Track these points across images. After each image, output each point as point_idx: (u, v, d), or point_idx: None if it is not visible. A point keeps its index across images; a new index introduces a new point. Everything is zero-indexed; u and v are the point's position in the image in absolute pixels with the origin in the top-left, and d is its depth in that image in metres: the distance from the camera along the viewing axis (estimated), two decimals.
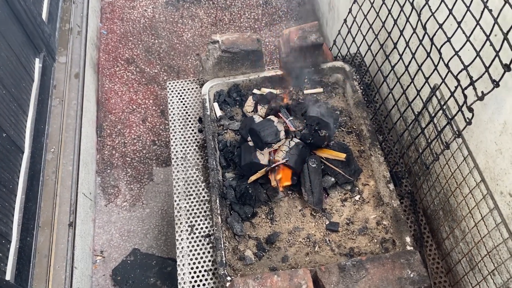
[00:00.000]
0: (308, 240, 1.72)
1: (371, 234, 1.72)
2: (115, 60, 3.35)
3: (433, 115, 1.64)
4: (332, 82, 2.11)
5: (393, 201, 1.72)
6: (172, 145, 2.04)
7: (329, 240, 1.71)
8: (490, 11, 1.24)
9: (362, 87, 2.11)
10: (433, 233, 1.84)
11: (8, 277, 1.99)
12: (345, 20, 2.17)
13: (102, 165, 2.88)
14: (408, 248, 1.60)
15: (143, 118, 3.06)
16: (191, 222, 1.83)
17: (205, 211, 1.85)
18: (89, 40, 3.26)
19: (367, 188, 1.82)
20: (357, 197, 1.80)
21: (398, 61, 1.79)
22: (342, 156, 1.77)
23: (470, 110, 1.39)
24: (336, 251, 1.69)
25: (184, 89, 2.22)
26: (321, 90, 2.06)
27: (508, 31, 1.17)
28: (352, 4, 2.09)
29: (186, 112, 2.15)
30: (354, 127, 1.98)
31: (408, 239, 1.62)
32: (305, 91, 2.06)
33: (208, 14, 3.65)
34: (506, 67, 1.20)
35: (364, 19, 2.04)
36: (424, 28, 1.59)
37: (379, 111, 2.06)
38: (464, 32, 1.38)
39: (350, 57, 2.25)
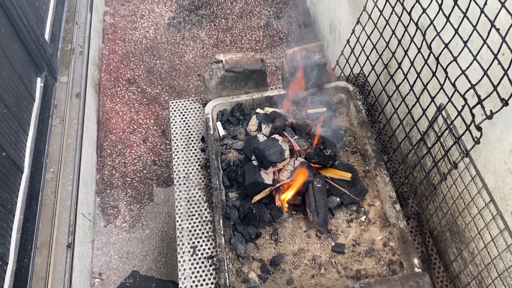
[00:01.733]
0: (313, 262, 1.68)
1: (378, 255, 1.68)
2: (116, 80, 3.35)
3: (439, 134, 1.63)
4: (335, 101, 2.10)
5: (399, 222, 1.69)
6: (174, 165, 2.01)
7: (335, 262, 1.67)
8: (497, 30, 1.24)
9: (365, 107, 2.10)
10: (441, 255, 1.81)
11: None
12: (348, 41, 2.18)
13: (102, 185, 2.84)
14: (416, 270, 1.56)
15: (144, 138, 3.04)
16: (193, 243, 1.79)
17: (207, 232, 1.82)
18: (90, 61, 3.27)
19: (373, 208, 1.79)
20: (363, 218, 1.77)
21: (403, 80, 1.79)
22: (347, 176, 1.75)
23: (479, 129, 1.37)
24: (343, 274, 1.65)
25: (187, 109, 2.21)
26: (325, 109, 2.05)
27: None
28: (355, 25, 2.10)
29: (189, 132, 2.13)
30: (358, 146, 1.97)
31: (416, 261, 1.59)
32: (309, 111, 2.05)
33: (209, 36, 3.67)
34: None
35: (367, 39, 2.04)
36: (430, 47, 1.60)
37: (384, 131, 2.04)
38: (470, 51, 1.38)
39: (353, 77, 2.25)
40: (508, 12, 1.17)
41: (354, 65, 2.20)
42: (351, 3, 2.62)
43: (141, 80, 3.36)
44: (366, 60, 2.09)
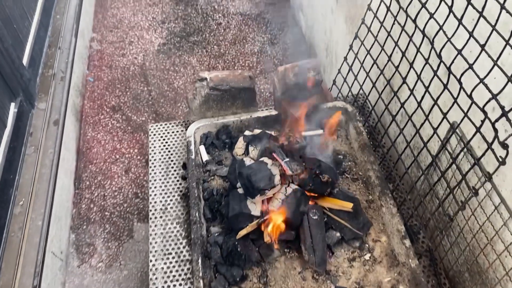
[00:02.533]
0: None
1: None
2: (100, 108, 3.15)
3: (454, 156, 1.40)
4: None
5: (410, 260, 1.43)
6: (150, 195, 1.77)
7: None
8: None
9: (367, 129, 1.88)
10: None
11: None
12: (345, 58, 1.98)
13: (78, 220, 2.58)
14: None
15: (126, 169, 2.80)
16: (168, 287, 1.52)
17: (185, 274, 1.55)
18: (72, 87, 3.09)
19: (378, 245, 1.53)
20: (367, 256, 1.51)
21: (409, 96, 1.58)
22: (348, 206, 1.50)
23: (504, 146, 1.14)
24: None
25: (168, 132, 1.99)
26: (321, 131, 1.83)
27: None
28: (353, 40, 1.91)
29: (169, 158, 1.90)
30: (360, 173, 1.73)
31: None
32: (304, 133, 1.82)
33: (201, 62, 3.50)
34: None
35: (366, 54, 1.85)
36: (439, 56, 1.39)
37: (388, 156, 1.81)
38: (490, 56, 1.16)
39: (352, 98, 2.04)
40: None
41: (352, 84, 1.99)
42: (348, 22, 2.45)
43: (126, 107, 3.16)
44: (366, 78, 1.88)
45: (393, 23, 1.66)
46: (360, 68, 1.92)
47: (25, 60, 2.79)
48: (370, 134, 1.89)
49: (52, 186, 2.47)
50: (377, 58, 1.80)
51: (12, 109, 2.54)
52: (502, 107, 1.13)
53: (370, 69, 1.85)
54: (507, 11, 1.08)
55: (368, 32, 1.83)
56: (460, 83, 1.31)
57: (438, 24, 1.38)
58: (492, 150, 1.21)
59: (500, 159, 1.17)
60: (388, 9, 1.69)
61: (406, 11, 1.57)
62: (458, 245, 1.53)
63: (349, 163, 1.76)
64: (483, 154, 1.25)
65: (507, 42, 1.10)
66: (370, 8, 1.81)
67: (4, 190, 2.23)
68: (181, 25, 3.81)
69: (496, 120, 1.16)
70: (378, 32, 1.77)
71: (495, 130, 1.18)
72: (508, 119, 1.12)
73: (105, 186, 2.72)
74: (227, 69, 3.46)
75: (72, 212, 2.64)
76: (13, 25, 2.72)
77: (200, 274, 1.42)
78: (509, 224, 1.25)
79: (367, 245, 1.53)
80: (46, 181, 2.47)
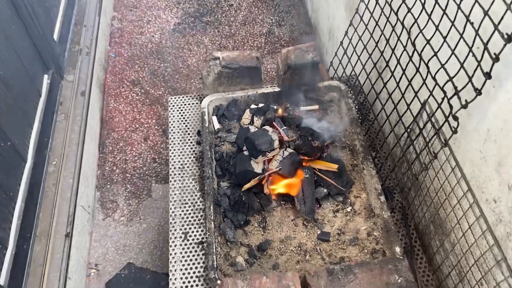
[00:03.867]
0: (299, 249, 1.74)
1: (361, 244, 1.74)
2: (121, 81, 3.46)
3: (422, 127, 1.70)
4: (327, 100, 2.18)
5: (383, 212, 1.75)
6: (170, 156, 2.09)
7: (320, 250, 1.73)
8: (471, 23, 1.32)
9: (356, 105, 2.18)
10: (425, 248, 1.85)
11: (2, 282, 2.00)
12: (341, 42, 2.26)
13: (102, 180, 2.92)
14: (398, 256, 1.61)
15: (145, 137, 3.13)
16: (185, 229, 1.86)
17: (199, 219, 1.88)
18: (97, 61, 3.38)
19: (359, 200, 1.85)
20: (348, 209, 1.83)
21: (390, 78, 1.87)
22: (334, 167, 1.81)
23: (455, 118, 1.44)
24: (327, 260, 1.70)
25: (185, 104, 2.30)
26: (317, 107, 2.13)
27: (488, 41, 1.24)
28: (348, 27, 2.19)
29: (186, 126, 2.21)
30: (348, 142, 2.04)
31: (398, 249, 1.64)
32: (302, 108, 2.12)
33: (213, 42, 3.78)
34: (487, 75, 1.26)
35: (358, 40, 2.13)
36: (413, 44, 1.68)
37: (372, 127, 2.11)
38: (449, 46, 1.45)
39: (346, 77, 2.33)
40: (480, 5, 1.25)
41: (346, 66, 2.28)
42: (347, 9, 2.72)
43: (145, 81, 3.47)
44: (357, 60, 2.17)
45: (380, 14, 1.94)
46: (353, 52, 2.20)
47: (55, 36, 3.08)
48: (359, 109, 2.19)
49: (81, 149, 2.80)
50: (366, 44, 2.08)
51: (46, 80, 2.85)
52: (455, 87, 1.43)
53: (361, 53, 2.13)
54: (462, 11, 1.36)
55: (360, 21, 2.10)
56: (428, 68, 1.60)
57: (414, 17, 1.66)
58: (448, 122, 1.50)
59: (453, 129, 1.47)
60: (376, 2, 1.97)
61: (390, 5, 1.84)
62: (426, 203, 1.84)
63: (339, 133, 2.07)
64: (442, 125, 1.55)
65: (461, 35, 1.39)
66: (362, 0, 2.08)
67: (40, 151, 2.55)
68: (195, 6, 4.08)
69: (451, 97, 1.46)
70: (369, 21, 2.05)
71: (450, 106, 1.47)
72: (459, 97, 1.41)
73: (126, 151, 3.05)
74: (236, 49, 3.74)
75: (97, 173, 2.97)
76: (45, 3, 3.01)
77: (212, 218, 1.74)
78: (461, 182, 1.56)
79: (349, 200, 1.85)
80: (75, 145, 2.79)
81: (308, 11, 3.91)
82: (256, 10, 4.04)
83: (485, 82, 1.28)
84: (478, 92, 1.31)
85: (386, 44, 1.91)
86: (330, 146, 1.99)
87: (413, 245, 1.82)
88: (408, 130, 1.81)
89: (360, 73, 2.20)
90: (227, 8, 4.07)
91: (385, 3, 1.89)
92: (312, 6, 3.77)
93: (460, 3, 1.38)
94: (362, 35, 2.11)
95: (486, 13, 1.25)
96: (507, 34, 1.16)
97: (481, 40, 1.27)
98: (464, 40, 1.37)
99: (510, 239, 1.32)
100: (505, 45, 1.18)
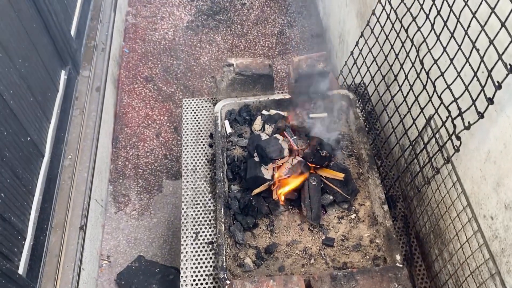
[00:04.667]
0: (304, 252, 1.83)
1: (364, 251, 1.83)
2: (134, 78, 3.54)
3: (426, 142, 1.78)
4: (336, 108, 2.25)
5: (386, 221, 1.83)
6: (183, 158, 2.18)
7: (324, 254, 1.82)
8: (477, 50, 1.39)
9: (364, 115, 2.25)
10: (424, 256, 1.94)
11: (20, 271, 2.11)
12: (351, 52, 2.33)
13: (115, 175, 3.03)
14: (397, 265, 1.70)
15: (157, 133, 3.22)
16: (196, 229, 1.96)
17: (210, 220, 1.98)
18: (111, 57, 3.47)
19: (363, 208, 1.94)
20: (353, 216, 1.92)
21: (398, 92, 1.94)
22: (340, 176, 1.90)
23: (458, 138, 1.52)
24: (330, 265, 1.80)
25: (198, 107, 2.38)
26: (325, 115, 2.20)
27: (492, 69, 1.31)
28: (359, 38, 2.26)
29: (199, 128, 2.30)
30: (354, 151, 2.12)
31: (398, 257, 1.73)
32: (311, 115, 2.20)
33: (225, 40, 3.85)
34: (489, 101, 1.34)
35: (368, 52, 2.20)
36: (422, 63, 1.75)
37: (379, 137, 2.19)
38: (455, 68, 1.52)
39: (355, 87, 2.40)
40: (486, 34, 1.32)
41: (356, 75, 2.35)
42: (359, 17, 2.78)
43: (158, 78, 3.55)
44: (366, 71, 2.24)
45: (391, 29, 2.00)
46: (363, 63, 2.27)
47: (72, 32, 3.16)
48: (366, 119, 2.27)
49: (95, 144, 2.89)
50: (376, 56, 2.15)
51: (63, 76, 2.94)
52: (459, 108, 1.50)
53: (370, 65, 2.20)
54: (468, 37, 1.43)
55: (371, 33, 2.17)
56: (434, 86, 1.67)
57: (423, 36, 1.73)
58: (451, 141, 1.58)
59: (456, 148, 1.55)
60: (388, 16, 2.03)
61: (401, 21, 1.91)
62: (427, 213, 1.93)
63: (347, 142, 2.15)
64: (445, 143, 1.63)
65: (467, 59, 1.46)
66: (374, 13, 2.15)
67: (57, 145, 2.65)
68: (209, 4, 4.14)
69: (455, 118, 1.53)
70: (379, 34, 2.11)
71: (454, 126, 1.55)
72: (462, 118, 1.49)
73: (139, 147, 3.15)
74: (248, 48, 3.81)
75: (110, 167, 3.08)
76: (64, 0, 3.08)
77: (222, 220, 1.84)
78: (461, 197, 1.64)
79: (353, 207, 1.93)
80: (90, 140, 2.89)
81: (320, 13, 3.96)
82: (268, 10, 4.10)
83: (487, 106, 1.35)
84: (481, 115, 1.38)
85: (395, 59, 1.98)
86: (337, 154, 2.07)
87: (413, 252, 1.91)
88: (413, 143, 1.88)
89: (369, 83, 2.27)
90: (240, 7, 4.13)
91: (396, 19, 1.95)
92: (324, 9, 3.82)
93: (467, 29, 1.44)
94: (372, 47, 2.17)
95: (491, 42, 1.32)
96: (510, 64, 1.23)
97: (486, 67, 1.34)
98: (470, 65, 1.44)
99: (504, 255, 1.40)
100: (507, 75, 1.25)
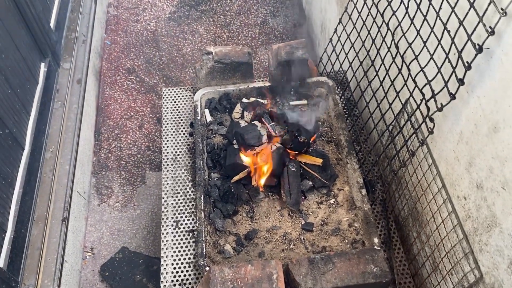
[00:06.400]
0: (284, 238, 1.84)
1: (343, 235, 1.84)
2: (116, 69, 3.52)
3: (402, 126, 1.79)
4: (316, 95, 2.26)
5: (364, 205, 1.85)
6: (163, 147, 2.17)
7: (304, 239, 1.84)
8: (448, 32, 1.40)
9: (343, 101, 2.26)
10: (403, 239, 1.96)
11: (1, 264, 2.09)
12: (330, 39, 2.34)
13: (98, 167, 3.01)
14: (375, 247, 1.72)
15: (139, 125, 3.21)
16: (176, 218, 1.96)
17: (190, 209, 1.98)
18: (93, 49, 3.44)
19: (341, 193, 1.95)
20: (332, 201, 1.93)
21: (374, 77, 1.95)
22: (319, 161, 1.91)
23: (432, 120, 1.53)
24: (310, 249, 1.81)
25: (178, 96, 2.37)
26: (305, 102, 2.21)
27: (462, 49, 1.32)
28: (337, 25, 2.26)
29: (179, 117, 2.30)
30: (334, 137, 2.13)
31: (376, 240, 1.75)
32: (291, 102, 2.21)
33: (208, 31, 3.84)
34: (460, 81, 1.35)
35: (347, 39, 2.20)
36: (397, 46, 1.76)
37: (357, 123, 2.20)
38: (428, 51, 1.54)
39: (334, 74, 2.41)
40: (456, 16, 1.33)
41: (335, 62, 2.36)
42: (339, 4, 2.78)
43: (140, 70, 3.53)
44: (345, 58, 2.25)
45: (368, 14, 2.01)
46: (341, 49, 2.28)
47: (52, 24, 3.12)
48: (345, 105, 2.28)
49: (77, 136, 2.87)
50: (354, 42, 2.16)
51: (42, 68, 2.90)
52: (432, 91, 1.52)
53: (349, 51, 2.21)
54: (440, 19, 1.44)
55: (349, 20, 2.17)
56: (409, 70, 1.68)
57: (398, 20, 1.74)
58: (425, 123, 1.60)
59: (430, 130, 1.57)
60: (364, 2, 2.04)
61: (377, 6, 1.92)
62: (405, 197, 1.95)
63: (326, 128, 2.16)
64: (420, 125, 1.64)
65: (439, 41, 1.47)
66: None
67: (38, 138, 2.63)
68: None
69: (428, 100, 1.55)
70: (356, 20, 2.12)
71: (428, 108, 1.56)
72: (435, 100, 1.50)
73: (121, 139, 3.13)
74: (231, 39, 3.79)
75: (93, 159, 3.06)
76: None
77: (202, 208, 1.84)
78: (436, 179, 1.66)
79: (332, 192, 1.95)
80: (71, 132, 2.86)
81: (303, 2, 3.96)
82: (251, 0, 4.08)
83: (458, 87, 1.37)
84: (453, 96, 1.40)
85: (372, 44, 1.98)
86: (317, 140, 2.08)
87: (391, 236, 1.93)
88: (389, 127, 1.90)
89: (347, 70, 2.28)
90: None
91: (372, 4, 1.96)
92: None
93: (439, 11, 1.45)
94: (350, 33, 2.18)
95: (461, 23, 1.33)
96: (478, 44, 1.25)
97: (456, 48, 1.35)
98: (442, 47, 1.45)
99: (476, 234, 1.42)
100: (476, 55, 1.27)
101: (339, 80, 2.38)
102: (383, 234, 1.93)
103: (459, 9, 1.35)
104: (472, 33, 1.28)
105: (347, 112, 2.24)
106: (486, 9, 1.21)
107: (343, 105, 2.21)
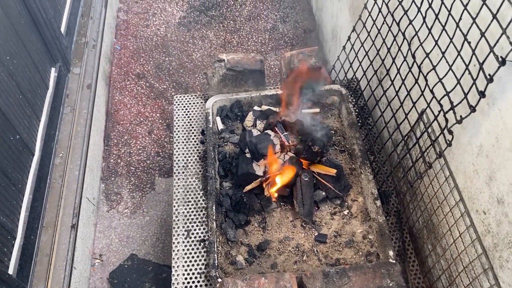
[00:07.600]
0: (297, 249, 1.81)
1: (357, 247, 1.81)
2: (126, 74, 3.51)
3: (418, 137, 1.76)
4: (328, 103, 2.23)
5: (379, 217, 1.82)
6: (175, 155, 2.16)
7: (317, 251, 1.81)
8: (469, 43, 1.38)
9: (356, 110, 2.24)
10: (417, 251, 1.93)
11: (10, 271, 2.08)
12: (343, 47, 2.31)
13: (107, 173, 3.00)
14: (390, 261, 1.69)
15: (149, 130, 3.19)
16: (188, 227, 1.93)
17: (201, 218, 1.96)
18: (103, 54, 3.43)
19: (355, 203, 1.92)
20: (345, 212, 1.90)
21: (390, 86, 1.92)
22: (332, 171, 1.88)
23: (450, 132, 1.50)
24: (323, 261, 1.78)
25: (190, 103, 2.36)
26: (318, 110, 2.18)
27: (483, 61, 1.30)
28: (351, 33, 2.24)
29: (190, 125, 2.28)
30: (347, 146, 2.10)
31: (391, 253, 1.72)
32: (303, 111, 2.18)
33: (217, 36, 3.82)
34: (481, 94, 1.32)
35: (361, 46, 2.18)
36: (413, 56, 1.73)
37: (371, 133, 2.17)
38: (447, 61, 1.51)
39: (347, 82, 2.38)
40: (478, 27, 1.30)
41: (348, 70, 2.33)
42: (351, 12, 2.76)
43: (150, 75, 3.52)
44: (359, 66, 2.22)
45: (383, 23, 1.98)
46: (355, 57, 2.25)
47: (62, 29, 3.12)
48: (359, 114, 2.25)
49: (86, 142, 2.86)
50: (368, 50, 2.13)
51: (53, 73, 2.90)
52: (451, 102, 1.49)
53: (363, 59, 2.19)
54: (460, 29, 1.42)
55: (363, 28, 2.15)
56: (426, 80, 1.65)
57: (415, 29, 1.71)
58: (444, 135, 1.57)
59: (448, 142, 1.54)
60: (379, 10, 2.01)
61: (392, 15, 1.89)
62: (420, 208, 1.92)
63: (339, 137, 2.13)
64: (437, 137, 1.61)
65: (459, 52, 1.44)
66: (366, 7, 2.13)
67: (47, 143, 2.62)
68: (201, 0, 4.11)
69: (447, 112, 1.52)
70: (371, 28, 2.09)
71: (446, 120, 1.53)
72: (454, 112, 1.47)
73: (131, 144, 3.12)
74: (241, 44, 3.78)
75: (102, 165, 3.05)
76: None
77: (214, 217, 1.82)
78: (454, 191, 1.62)
79: (346, 203, 1.92)
80: (81, 138, 2.85)
81: (313, 8, 3.94)
82: (261, 5, 4.07)
83: (479, 100, 1.34)
84: (473, 109, 1.37)
85: (387, 53, 1.96)
86: (330, 149, 2.06)
87: (406, 248, 1.90)
88: (405, 138, 1.87)
89: (361, 78, 2.25)
90: (232, 2, 4.10)
91: (388, 13, 1.93)
92: (317, 4, 3.80)
93: (459, 21, 1.43)
94: (364, 41, 2.15)
95: (483, 34, 1.30)
96: (501, 57, 1.22)
97: (477, 59, 1.32)
98: (462, 58, 1.43)
99: (497, 250, 1.39)
100: (499, 67, 1.24)
101: (352, 88, 2.35)
102: (398, 246, 1.89)
103: (481, 20, 1.32)
104: (494, 45, 1.25)
105: (360, 121, 2.22)
106: (511, 21, 1.17)
107: (356, 113, 2.18)
